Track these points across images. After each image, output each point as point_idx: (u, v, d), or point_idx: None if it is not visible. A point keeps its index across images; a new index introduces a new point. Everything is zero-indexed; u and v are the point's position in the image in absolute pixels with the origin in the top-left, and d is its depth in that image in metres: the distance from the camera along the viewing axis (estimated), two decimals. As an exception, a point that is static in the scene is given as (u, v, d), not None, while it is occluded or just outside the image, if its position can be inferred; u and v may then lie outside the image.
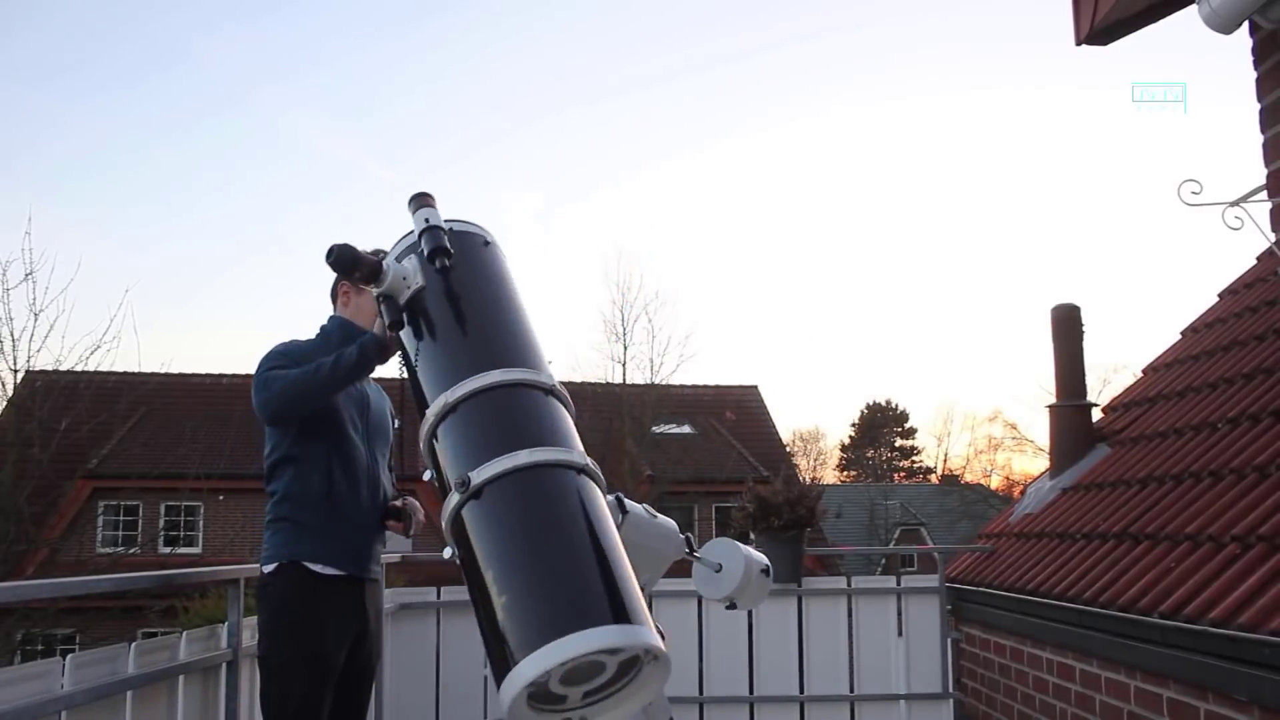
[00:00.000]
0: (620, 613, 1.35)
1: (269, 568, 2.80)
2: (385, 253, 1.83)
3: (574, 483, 1.50)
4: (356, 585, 2.87)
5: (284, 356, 2.82)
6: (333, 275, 2.21)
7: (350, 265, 1.75)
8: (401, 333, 1.75)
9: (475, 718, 4.62)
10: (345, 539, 2.84)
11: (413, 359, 1.71)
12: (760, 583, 1.99)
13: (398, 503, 3.03)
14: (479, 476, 1.47)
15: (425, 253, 1.73)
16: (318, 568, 2.77)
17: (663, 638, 2.00)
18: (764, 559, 2.02)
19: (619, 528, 1.61)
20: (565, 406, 1.66)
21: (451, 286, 1.72)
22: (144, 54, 41.30)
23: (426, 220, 1.77)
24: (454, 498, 1.49)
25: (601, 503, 1.54)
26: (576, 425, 1.65)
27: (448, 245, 1.73)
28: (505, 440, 1.51)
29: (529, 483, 1.48)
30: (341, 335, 2.92)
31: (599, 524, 1.47)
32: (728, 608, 2.03)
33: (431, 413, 1.60)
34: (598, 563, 1.41)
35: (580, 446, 1.58)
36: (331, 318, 3.04)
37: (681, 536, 1.94)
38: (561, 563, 1.40)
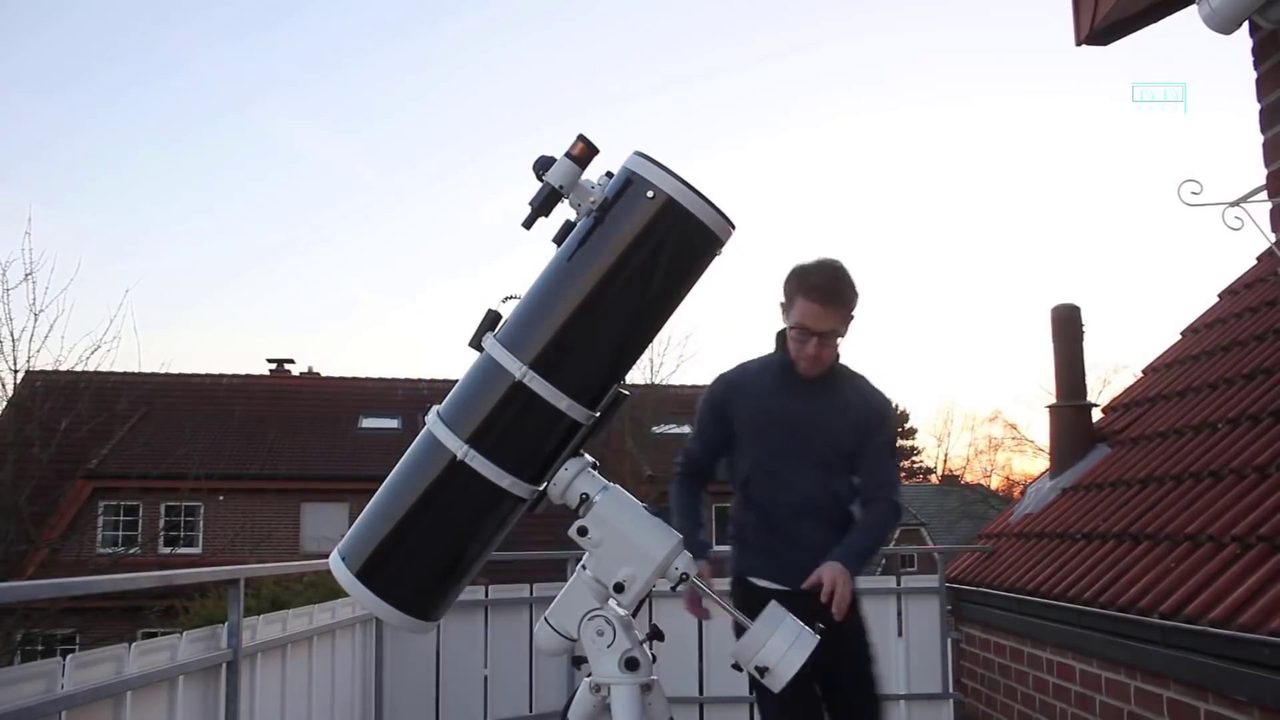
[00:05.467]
0: None
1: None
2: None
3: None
4: (798, 597, 2.70)
5: (711, 394, 2.99)
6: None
7: None
8: None
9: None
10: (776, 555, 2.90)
11: None
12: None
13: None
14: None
15: None
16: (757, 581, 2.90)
17: (662, 638, 1.99)
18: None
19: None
20: None
21: None
22: (144, 63, 41.46)
23: None
24: None
25: None
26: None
27: None
28: None
29: None
30: (779, 349, 2.95)
31: None
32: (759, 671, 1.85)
33: None
34: None
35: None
36: (778, 333, 3.00)
37: (676, 539, 1.88)
38: None
